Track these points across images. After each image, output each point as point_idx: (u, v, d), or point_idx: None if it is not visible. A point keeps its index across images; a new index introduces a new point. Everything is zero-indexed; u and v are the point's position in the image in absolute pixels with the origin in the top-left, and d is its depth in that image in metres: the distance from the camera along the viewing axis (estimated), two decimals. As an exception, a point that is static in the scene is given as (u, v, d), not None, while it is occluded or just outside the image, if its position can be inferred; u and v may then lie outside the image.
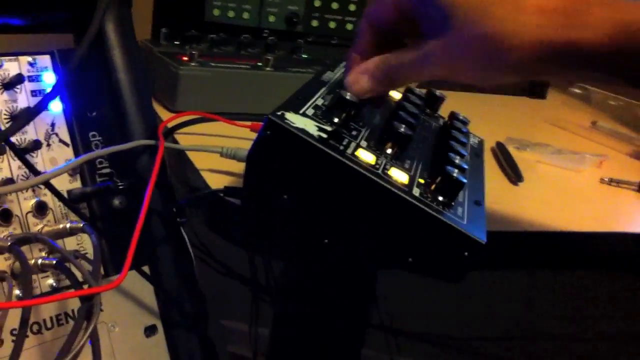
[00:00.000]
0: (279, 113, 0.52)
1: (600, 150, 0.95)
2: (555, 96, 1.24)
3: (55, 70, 0.56)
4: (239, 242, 0.67)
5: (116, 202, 0.57)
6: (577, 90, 1.17)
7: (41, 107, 0.49)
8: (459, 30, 0.50)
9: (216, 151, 0.65)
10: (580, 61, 0.48)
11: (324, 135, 0.52)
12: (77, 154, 0.55)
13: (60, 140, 0.55)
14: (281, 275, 0.84)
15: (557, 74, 0.61)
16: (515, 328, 1.28)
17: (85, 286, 0.47)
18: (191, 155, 0.67)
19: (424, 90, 0.74)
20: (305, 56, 0.98)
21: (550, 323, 1.25)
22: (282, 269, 0.81)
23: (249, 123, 0.72)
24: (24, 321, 0.43)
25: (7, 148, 0.50)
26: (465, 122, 0.70)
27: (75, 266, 0.47)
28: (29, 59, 0.54)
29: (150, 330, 0.57)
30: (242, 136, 0.69)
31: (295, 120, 0.52)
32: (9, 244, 0.47)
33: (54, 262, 0.49)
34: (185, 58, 0.82)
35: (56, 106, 0.55)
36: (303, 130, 0.51)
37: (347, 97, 0.56)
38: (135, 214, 0.50)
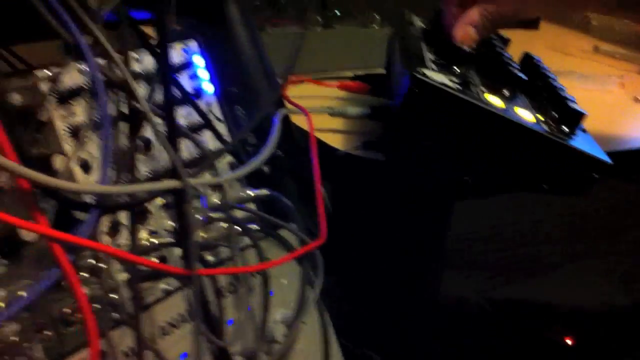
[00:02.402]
0: (420, 71, 0.58)
1: (609, 72, 1.05)
2: (547, 27, 1.33)
3: (202, 54, 0.59)
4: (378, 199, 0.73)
5: (265, 169, 0.62)
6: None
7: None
8: None
9: (325, 111, 0.70)
10: None
11: (459, 87, 0.58)
12: (229, 128, 0.59)
13: (217, 118, 0.59)
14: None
15: None
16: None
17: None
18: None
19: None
20: (337, 11, 1.02)
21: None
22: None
23: (336, 82, 0.77)
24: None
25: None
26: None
27: (289, 229, 0.51)
28: (182, 45, 0.58)
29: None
30: (327, 95, 0.73)
31: (434, 75, 0.58)
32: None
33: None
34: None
35: (209, 87, 0.59)
36: (444, 84, 0.57)
37: (466, 49, 0.62)
38: (275, 178, 0.55)
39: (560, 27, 1.31)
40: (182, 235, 0.36)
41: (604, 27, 1.22)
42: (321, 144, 0.68)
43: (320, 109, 0.70)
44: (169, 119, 0.36)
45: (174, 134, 0.36)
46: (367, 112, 0.68)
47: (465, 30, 0.64)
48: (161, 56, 0.38)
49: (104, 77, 0.35)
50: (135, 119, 0.38)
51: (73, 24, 0.34)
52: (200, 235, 0.48)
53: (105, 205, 0.32)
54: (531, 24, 1.32)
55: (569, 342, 1.49)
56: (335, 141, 0.68)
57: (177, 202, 0.36)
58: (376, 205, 0.75)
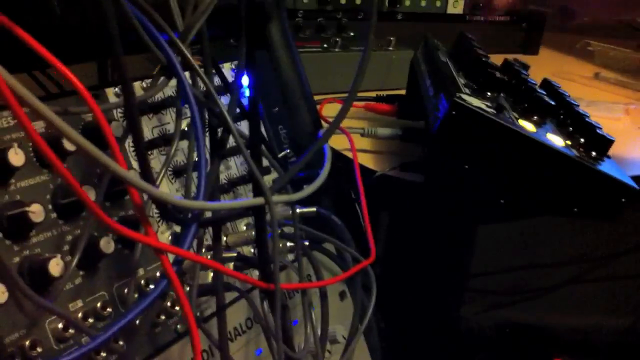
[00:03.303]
0: (458, 95, 0.60)
1: (609, 99, 1.08)
2: (547, 52, 1.37)
3: (248, 74, 0.60)
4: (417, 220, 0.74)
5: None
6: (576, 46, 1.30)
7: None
8: None
9: (357, 132, 0.71)
10: None
11: (494, 111, 0.61)
12: (272, 148, 0.61)
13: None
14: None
15: None
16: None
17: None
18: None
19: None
20: (352, 34, 1.05)
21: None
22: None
23: (361, 103, 0.78)
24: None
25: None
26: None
27: (343, 249, 0.53)
28: (231, 65, 0.59)
29: (342, 295, 0.64)
30: (353, 115, 0.75)
31: (470, 100, 0.60)
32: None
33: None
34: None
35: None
36: (481, 109, 0.59)
37: (498, 76, 0.65)
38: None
39: (559, 53, 1.35)
40: (261, 250, 0.38)
41: (603, 54, 1.26)
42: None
43: (352, 129, 0.72)
44: (253, 135, 0.38)
45: (258, 150, 0.37)
46: (398, 133, 0.70)
47: None
48: (249, 73, 0.39)
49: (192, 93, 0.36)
50: (215, 133, 0.39)
51: (166, 44, 0.36)
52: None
53: (201, 220, 0.33)
54: (530, 49, 1.36)
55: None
56: (366, 161, 0.70)
57: (258, 218, 0.37)
58: (409, 226, 0.76)
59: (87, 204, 0.27)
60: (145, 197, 0.34)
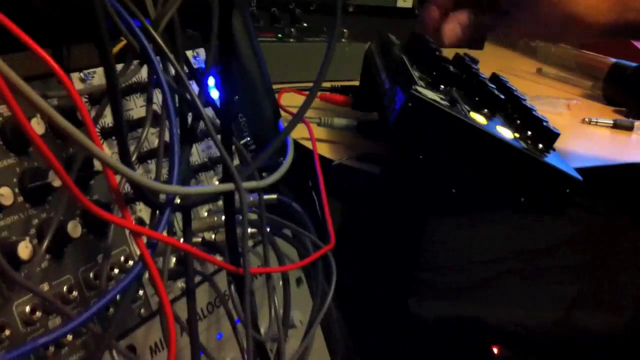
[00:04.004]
0: (414, 88, 0.62)
1: (552, 94, 1.13)
2: (491, 48, 1.41)
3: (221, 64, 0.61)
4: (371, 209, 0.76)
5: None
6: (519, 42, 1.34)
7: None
8: (546, 7, 0.64)
9: (314, 121, 0.73)
10: (630, 32, 0.64)
11: (448, 103, 0.63)
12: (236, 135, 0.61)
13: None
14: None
15: (611, 38, 0.76)
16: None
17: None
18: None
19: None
20: (306, 25, 1.06)
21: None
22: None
23: (317, 93, 0.79)
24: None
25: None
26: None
27: (304, 235, 0.54)
28: (192, 52, 0.59)
29: (299, 281, 0.65)
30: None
31: (426, 92, 0.62)
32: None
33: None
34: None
35: (215, 94, 0.61)
36: (436, 101, 0.61)
37: (452, 70, 0.67)
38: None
39: (503, 48, 1.39)
40: (230, 235, 0.39)
41: (545, 50, 1.31)
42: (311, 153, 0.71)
43: (309, 119, 0.73)
44: (224, 122, 0.39)
45: (229, 135, 0.38)
46: (354, 124, 0.71)
47: (452, 27, 0.69)
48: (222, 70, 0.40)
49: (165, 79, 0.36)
50: (184, 119, 0.40)
51: (138, 30, 0.36)
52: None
53: (175, 204, 0.34)
54: (475, 44, 1.39)
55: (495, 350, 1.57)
56: (322, 150, 0.71)
57: (229, 204, 0.38)
58: (363, 216, 0.78)
59: (68, 185, 0.27)
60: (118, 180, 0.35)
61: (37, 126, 0.39)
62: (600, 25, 0.65)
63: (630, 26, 0.65)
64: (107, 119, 0.46)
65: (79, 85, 0.45)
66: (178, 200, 0.40)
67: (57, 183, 0.39)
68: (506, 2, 0.70)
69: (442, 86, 0.67)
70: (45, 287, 0.40)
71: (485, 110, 0.67)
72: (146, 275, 0.42)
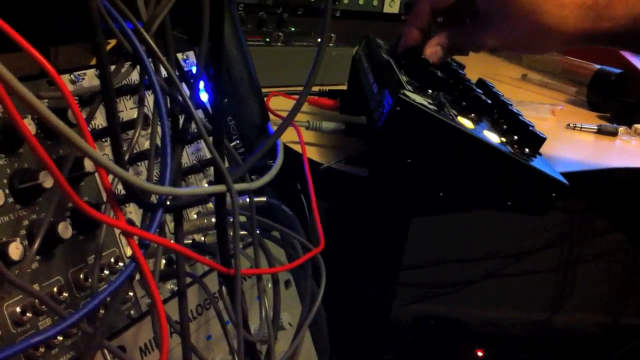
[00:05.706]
0: (402, 92, 0.62)
1: (536, 99, 1.14)
2: (477, 54, 1.41)
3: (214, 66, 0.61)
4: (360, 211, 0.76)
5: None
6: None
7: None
8: (516, 18, 0.66)
9: (302, 125, 0.73)
10: (604, 40, 0.66)
11: (436, 108, 0.63)
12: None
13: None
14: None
15: (584, 46, 0.77)
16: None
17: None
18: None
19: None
20: (293, 29, 1.06)
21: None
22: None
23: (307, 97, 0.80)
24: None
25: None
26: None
27: (293, 236, 0.54)
28: (182, 55, 0.59)
29: (287, 283, 0.65)
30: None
31: (413, 97, 0.63)
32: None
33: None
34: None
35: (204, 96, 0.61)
36: (424, 105, 0.62)
37: (439, 75, 0.68)
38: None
39: (487, 54, 1.40)
40: (221, 236, 0.39)
41: (530, 57, 1.32)
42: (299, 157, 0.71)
43: (297, 122, 0.73)
44: (216, 124, 0.39)
45: (221, 137, 0.38)
46: (342, 127, 0.72)
47: (434, 49, 0.70)
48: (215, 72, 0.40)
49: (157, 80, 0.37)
50: (175, 121, 0.40)
51: (131, 32, 0.36)
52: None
53: (167, 205, 0.34)
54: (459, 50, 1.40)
55: (479, 354, 1.59)
56: (310, 154, 0.71)
57: (220, 205, 0.38)
58: (352, 219, 0.79)
59: (62, 185, 0.27)
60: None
61: (28, 127, 0.39)
62: (571, 35, 0.66)
63: (605, 35, 0.66)
64: (97, 121, 0.46)
65: (69, 87, 0.45)
66: (169, 202, 0.40)
67: (47, 184, 0.39)
68: (480, 17, 0.71)
69: (430, 91, 0.68)
70: (36, 287, 0.40)
71: (472, 114, 0.68)
72: (136, 276, 0.42)
